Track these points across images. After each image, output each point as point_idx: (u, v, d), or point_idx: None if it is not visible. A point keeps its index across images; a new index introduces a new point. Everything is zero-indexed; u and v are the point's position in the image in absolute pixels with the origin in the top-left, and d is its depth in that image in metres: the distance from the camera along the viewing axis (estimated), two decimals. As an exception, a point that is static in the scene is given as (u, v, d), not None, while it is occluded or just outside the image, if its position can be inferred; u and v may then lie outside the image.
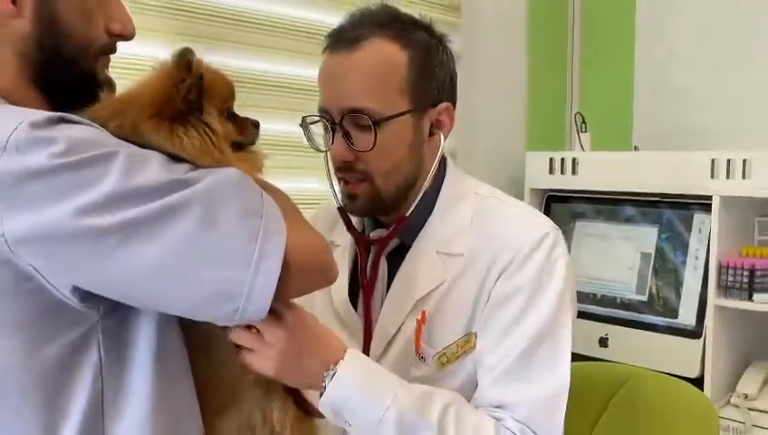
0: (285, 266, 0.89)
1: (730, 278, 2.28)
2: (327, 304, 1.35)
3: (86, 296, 0.89)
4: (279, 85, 2.16)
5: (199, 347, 1.04)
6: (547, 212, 2.76)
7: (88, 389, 0.91)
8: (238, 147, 1.04)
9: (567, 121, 2.97)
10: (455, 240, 1.26)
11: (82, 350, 0.91)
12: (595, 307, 2.58)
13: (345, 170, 1.23)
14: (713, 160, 2.30)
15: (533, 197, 2.76)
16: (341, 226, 1.34)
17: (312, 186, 2.08)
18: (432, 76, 1.24)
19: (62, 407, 0.90)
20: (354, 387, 1.07)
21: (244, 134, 1.05)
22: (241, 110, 1.04)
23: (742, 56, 2.63)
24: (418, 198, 1.25)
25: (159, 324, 0.95)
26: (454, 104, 1.29)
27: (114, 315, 0.92)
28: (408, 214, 1.26)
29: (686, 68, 2.76)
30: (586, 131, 2.76)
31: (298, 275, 0.93)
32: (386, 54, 1.20)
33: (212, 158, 0.97)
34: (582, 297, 2.60)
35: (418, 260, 1.27)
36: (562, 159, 2.66)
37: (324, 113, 1.23)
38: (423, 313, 1.24)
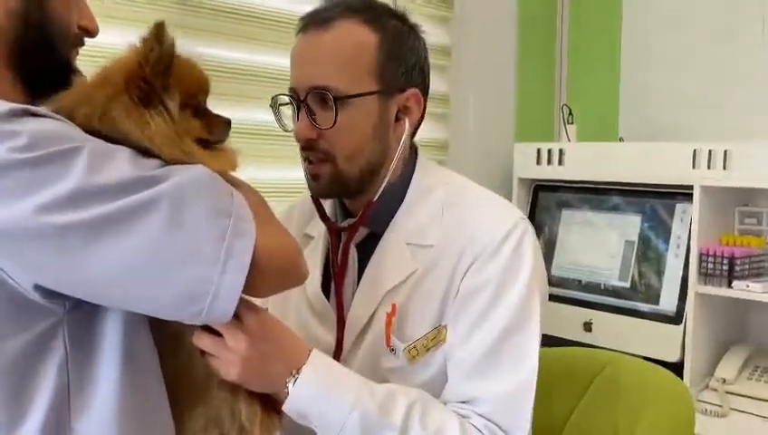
0: (253, 267, 0.84)
1: (710, 266, 2.21)
2: (301, 295, 1.28)
3: (50, 293, 0.83)
4: (258, 75, 2.10)
5: (168, 342, 0.97)
6: (534, 201, 2.70)
7: (53, 382, 0.85)
8: (206, 145, 0.95)
9: (555, 113, 2.90)
10: (425, 231, 1.19)
11: (48, 343, 0.85)
12: (580, 293, 2.53)
13: (308, 149, 1.16)
14: (694, 151, 2.24)
15: (521, 186, 2.71)
16: (317, 218, 1.27)
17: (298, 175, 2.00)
18: (401, 60, 1.17)
19: (26, 400, 0.85)
20: (317, 391, 1.01)
21: (211, 132, 0.96)
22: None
23: (726, 51, 2.55)
24: (384, 183, 1.18)
25: (127, 319, 0.89)
26: (424, 93, 1.22)
27: (80, 310, 0.86)
28: (374, 199, 1.18)
29: (670, 62, 2.69)
30: (573, 123, 2.70)
31: (266, 275, 0.88)
32: (355, 36, 1.14)
33: (180, 149, 0.89)
34: (568, 283, 2.55)
35: (388, 251, 1.20)
36: (549, 150, 2.60)
37: (292, 92, 1.17)
38: (393, 305, 1.17)
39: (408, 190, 1.22)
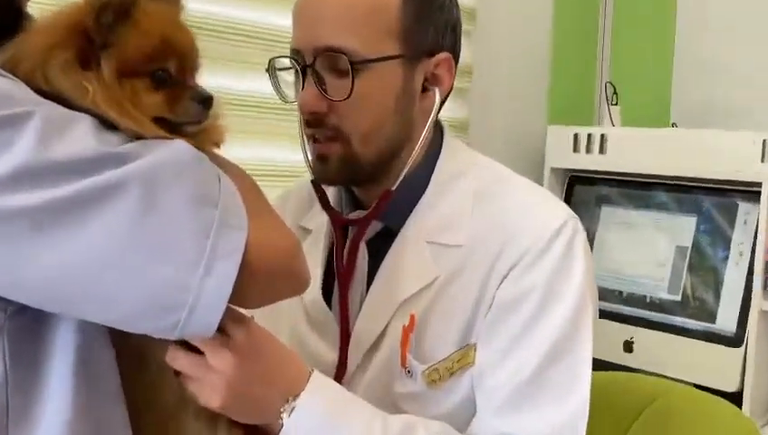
0: (245, 270, 0.81)
1: (778, 279, 2.17)
2: (296, 302, 1.22)
3: None
4: (250, 35, 2.03)
5: (133, 359, 0.93)
6: (569, 195, 2.68)
7: None
8: (170, 127, 0.87)
9: (596, 92, 2.85)
10: (451, 228, 1.14)
11: None
12: (620, 307, 2.49)
13: (315, 125, 1.11)
14: (764, 142, 2.19)
15: (554, 177, 2.67)
16: (317, 207, 1.23)
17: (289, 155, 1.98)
18: (430, 20, 1.12)
19: None
20: (318, 423, 0.97)
21: (174, 111, 0.88)
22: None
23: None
24: (406, 170, 1.14)
25: (83, 328, 0.85)
26: (456, 58, 1.17)
27: (25, 316, 0.82)
28: (393, 188, 1.14)
29: (733, 36, 2.65)
30: (617, 104, 2.66)
31: (259, 281, 0.85)
32: None
33: (137, 121, 0.83)
34: (606, 295, 2.52)
35: (406, 251, 1.15)
36: (589, 135, 2.56)
37: (295, 54, 1.11)
38: (411, 317, 1.12)
39: (432, 177, 1.17)
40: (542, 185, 2.61)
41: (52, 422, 0.83)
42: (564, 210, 1.14)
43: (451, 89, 1.19)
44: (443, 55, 1.14)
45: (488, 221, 1.13)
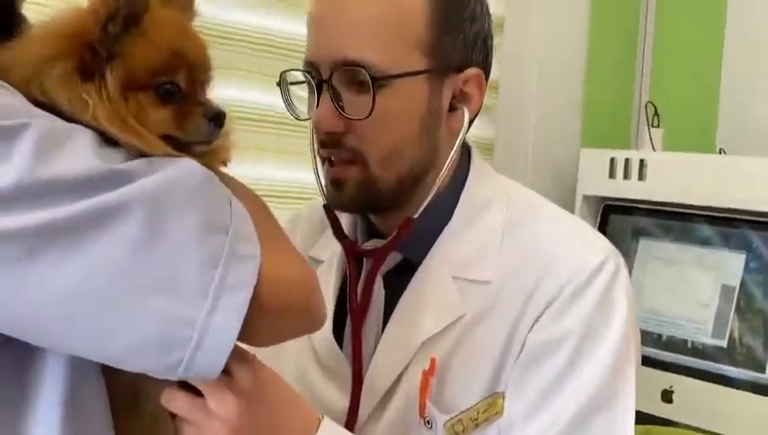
0: (254, 305, 0.80)
1: (836, 325, 2.14)
2: (304, 341, 1.22)
3: None
4: (263, 44, 2.04)
5: (127, 398, 0.93)
6: (603, 226, 2.65)
7: None
8: (178, 145, 0.88)
9: (634, 113, 2.84)
10: (479, 262, 1.15)
11: None
12: (659, 352, 2.46)
13: (331, 146, 1.12)
14: (822, 171, 2.17)
15: (586, 206, 2.65)
16: (328, 234, 1.23)
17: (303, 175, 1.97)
18: (459, 32, 1.13)
19: None
20: None
21: (182, 128, 0.88)
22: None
23: None
24: (430, 196, 1.14)
25: (74, 363, 0.85)
26: (487, 75, 1.19)
27: (13, 348, 0.81)
28: (415, 216, 1.14)
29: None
30: (659, 126, 2.65)
31: (270, 318, 0.85)
32: None
33: (141, 139, 0.84)
34: (643, 338, 2.45)
35: (428, 286, 1.16)
36: (627, 160, 2.53)
37: (310, 68, 1.12)
38: (432, 361, 1.11)
39: (458, 205, 1.18)
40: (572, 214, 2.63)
41: None
42: (605, 244, 1.14)
43: (480, 108, 1.20)
44: (473, 71, 1.14)
45: (520, 255, 1.13)
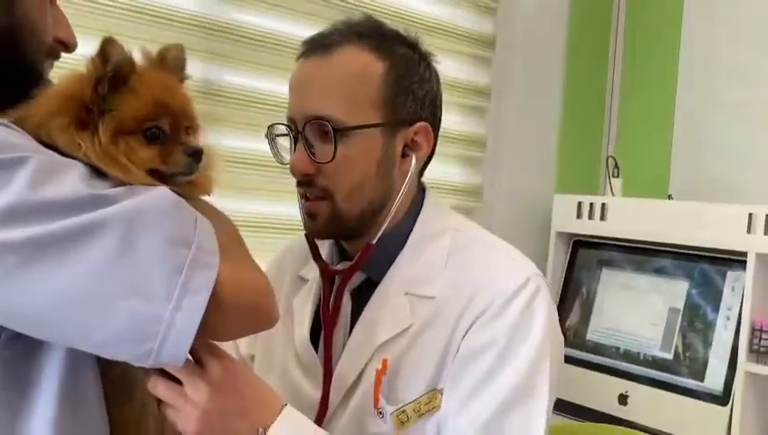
0: (215, 306, 0.78)
1: (764, 342, 2.07)
2: (288, 345, 1.19)
3: None
4: (265, 102, 2.02)
5: (120, 386, 0.90)
6: (573, 258, 2.59)
7: None
8: (163, 177, 0.87)
9: (601, 165, 2.79)
10: (427, 281, 1.11)
11: None
12: (617, 362, 2.40)
13: (306, 184, 1.10)
14: (750, 215, 2.12)
15: (560, 240, 2.61)
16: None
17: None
18: (409, 92, 1.11)
19: None
20: None
21: (166, 163, 0.87)
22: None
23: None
24: (385, 225, 1.11)
25: (72, 356, 0.83)
26: (434, 128, 1.15)
27: (18, 342, 0.80)
28: (373, 242, 1.11)
29: (729, 117, 2.58)
30: (618, 176, 2.60)
31: (229, 316, 0.82)
32: (359, 62, 1.08)
33: (125, 171, 0.83)
34: (604, 350, 2.44)
35: (384, 300, 1.12)
36: (591, 204, 2.51)
37: (290, 122, 1.11)
38: (384, 361, 1.08)
39: (412, 234, 1.14)
40: (548, 248, 2.58)
41: None
42: (529, 268, 1.10)
43: (432, 153, 1.17)
44: (421, 124, 1.12)
45: (459, 276, 1.09)
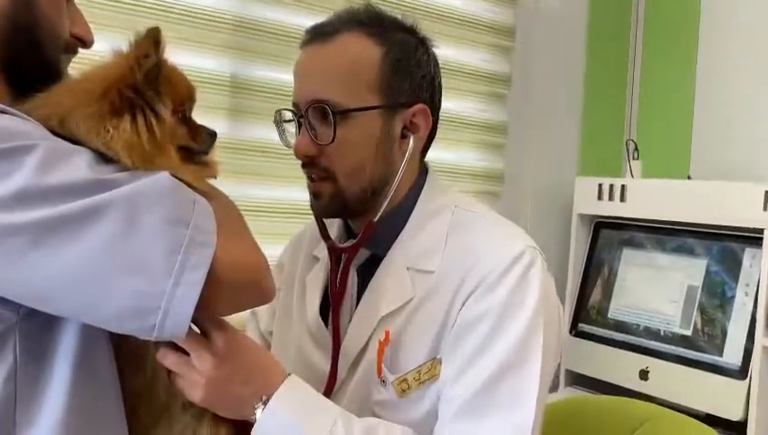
0: (213, 282, 0.80)
1: (781, 317, 2.01)
2: (302, 320, 1.22)
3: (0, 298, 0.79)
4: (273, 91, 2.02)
5: (130, 357, 0.92)
6: (595, 239, 2.56)
7: None
8: (189, 154, 0.91)
9: (623, 148, 2.74)
10: (427, 256, 1.11)
11: None
12: (638, 338, 2.37)
13: (309, 166, 1.12)
14: (766, 193, 2.07)
15: (581, 222, 2.58)
16: None
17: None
18: (407, 75, 1.11)
19: None
20: (286, 421, 0.94)
21: (196, 141, 0.92)
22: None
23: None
24: (385, 203, 1.12)
25: (85, 330, 0.85)
26: (433, 109, 1.15)
27: (35, 317, 0.82)
28: (375, 219, 1.12)
29: (748, 99, 2.51)
30: (638, 159, 2.56)
31: (227, 291, 0.84)
32: (357, 48, 1.09)
33: (142, 158, 0.85)
34: (625, 327, 2.41)
35: (387, 275, 1.13)
36: (611, 186, 2.48)
37: (294, 107, 1.13)
38: (386, 333, 1.09)
39: (413, 212, 1.15)
40: (570, 229, 2.56)
41: (54, 412, 0.83)
42: (525, 242, 1.09)
43: (432, 134, 1.17)
44: (419, 106, 1.12)
45: (457, 250, 1.09)
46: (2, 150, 0.75)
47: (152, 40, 0.86)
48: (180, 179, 0.85)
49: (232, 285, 0.84)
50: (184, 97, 0.91)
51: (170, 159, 0.87)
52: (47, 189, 0.76)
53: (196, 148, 0.92)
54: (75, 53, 0.98)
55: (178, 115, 0.90)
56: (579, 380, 2.52)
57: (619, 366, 2.35)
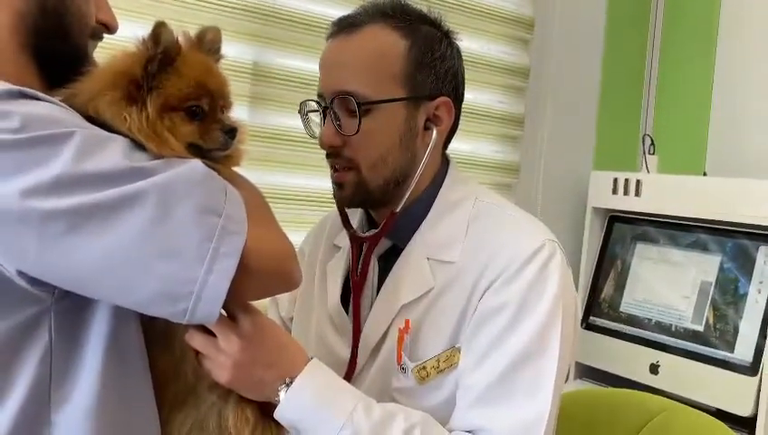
0: (242, 269, 0.82)
1: (793, 315, 2.01)
2: (323, 307, 1.24)
3: (36, 280, 0.81)
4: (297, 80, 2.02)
5: (160, 338, 0.95)
6: (609, 232, 2.56)
7: (34, 370, 0.84)
8: (200, 152, 0.91)
9: (639, 143, 2.75)
10: (447, 246, 1.13)
11: (33, 330, 0.83)
12: (649, 332, 2.37)
13: (333, 156, 1.13)
14: (781, 190, 2.06)
15: (595, 216, 2.58)
16: None
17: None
18: (431, 68, 1.12)
19: (6, 386, 0.83)
20: (309, 404, 0.96)
21: (204, 139, 0.91)
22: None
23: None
24: (407, 194, 1.13)
25: (117, 312, 0.87)
26: (457, 102, 1.17)
27: (69, 299, 0.84)
28: (396, 210, 1.13)
29: (764, 98, 2.50)
30: (654, 154, 2.56)
31: (256, 278, 0.86)
32: (383, 40, 1.10)
33: (166, 146, 0.87)
34: (637, 321, 2.41)
35: (408, 265, 1.15)
36: (626, 180, 2.47)
37: (319, 98, 1.14)
38: (406, 322, 1.11)
39: (435, 203, 1.17)
40: (584, 222, 2.57)
41: (87, 390, 0.85)
42: (543, 235, 1.11)
43: (455, 126, 1.18)
44: (443, 99, 1.13)
45: (477, 242, 1.11)
46: (39, 138, 0.77)
47: (153, 35, 0.87)
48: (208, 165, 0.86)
49: (261, 273, 0.86)
50: (193, 92, 0.90)
51: (176, 151, 0.87)
52: (84, 176, 0.78)
53: (204, 146, 0.91)
54: (101, 38, 0.99)
55: (184, 111, 0.90)
56: (589, 372, 2.53)
57: (629, 360, 2.36)
